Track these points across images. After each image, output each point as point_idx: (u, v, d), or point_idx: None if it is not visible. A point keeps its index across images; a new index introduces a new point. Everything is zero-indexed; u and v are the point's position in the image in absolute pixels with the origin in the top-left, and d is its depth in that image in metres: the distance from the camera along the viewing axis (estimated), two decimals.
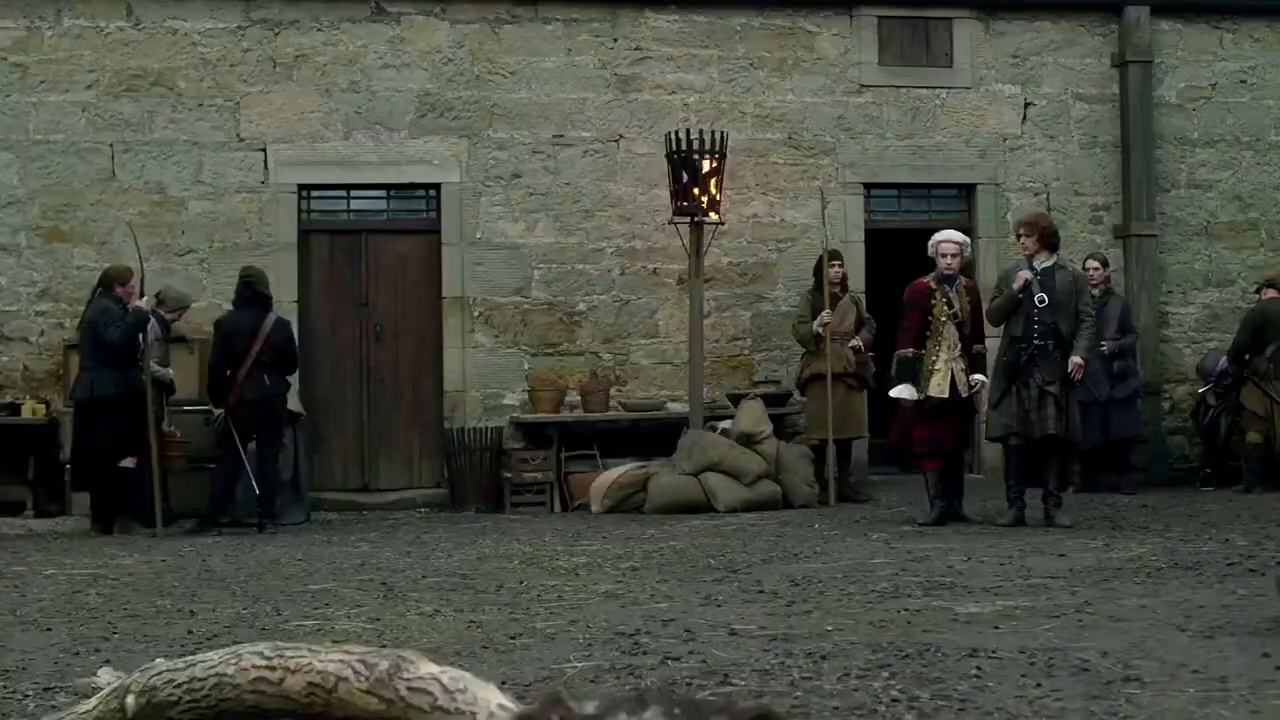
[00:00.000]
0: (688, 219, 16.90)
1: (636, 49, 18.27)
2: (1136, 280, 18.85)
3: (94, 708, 5.35)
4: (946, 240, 14.62)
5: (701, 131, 16.92)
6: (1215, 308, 19.27)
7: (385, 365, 18.00)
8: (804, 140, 18.48)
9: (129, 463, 14.88)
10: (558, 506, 17.13)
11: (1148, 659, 7.09)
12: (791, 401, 17.55)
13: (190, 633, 8.53)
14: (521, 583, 10.60)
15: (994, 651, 7.33)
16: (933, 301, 14.44)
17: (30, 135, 17.41)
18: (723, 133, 16.98)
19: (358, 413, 17.86)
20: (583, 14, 18.20)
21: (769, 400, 17.37)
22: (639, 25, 18.28)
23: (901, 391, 14.46)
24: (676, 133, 16.94)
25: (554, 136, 18.08)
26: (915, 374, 14.40)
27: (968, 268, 15.54)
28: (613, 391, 17.88)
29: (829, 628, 8.23)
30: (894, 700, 6.27)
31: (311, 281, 17.85)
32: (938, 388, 14.34)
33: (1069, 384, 14.02)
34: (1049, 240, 14.18)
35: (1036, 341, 13.91)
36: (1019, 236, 14.47)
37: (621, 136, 18.17)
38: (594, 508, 16.56)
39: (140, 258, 15.50)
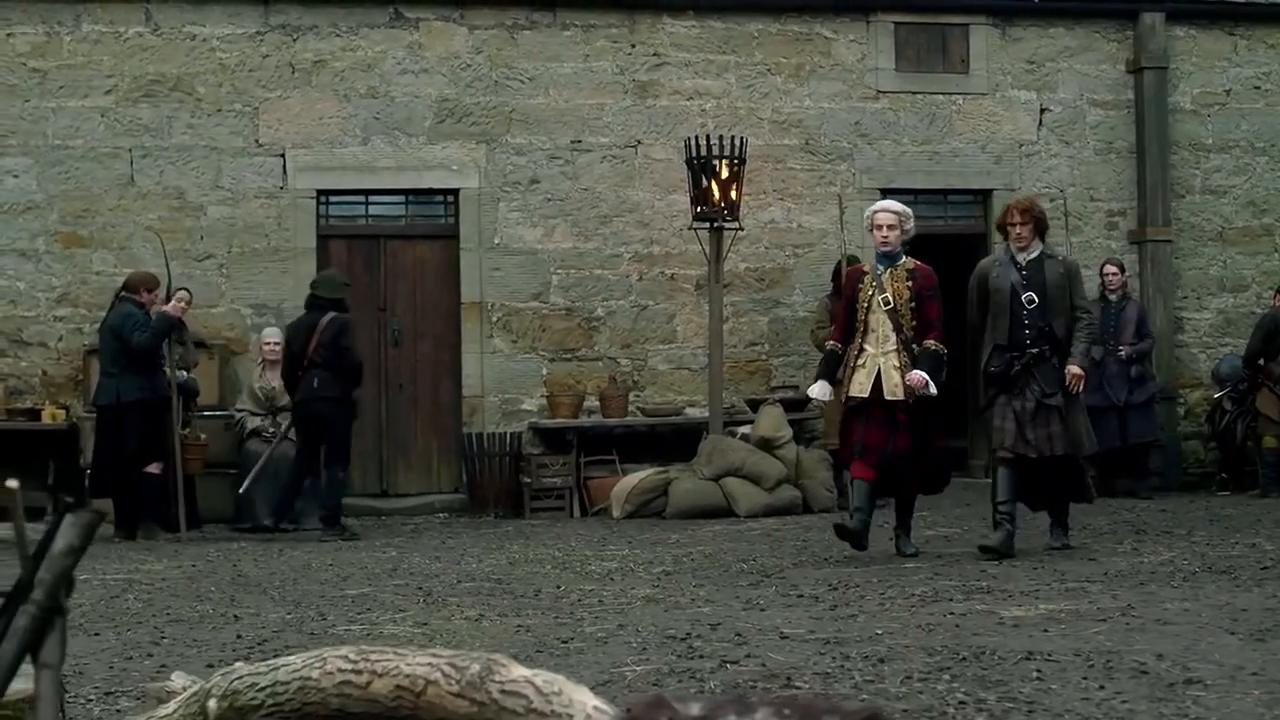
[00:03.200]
0: (707, 224, 16.94)
1: (654, 55, 18.29)
2: (1151, 285, 18.89)
3: (174, 712, 5.34)
4: (881, 210, 12.47)
5: (721, 137, 16.96)
6: (1230, 313, 19.31)
7: (404, 370, 18.01)
8: (821, 146, 18.52)
9: (154, 468, 14.88)
10: (577, 511, 17.14)
11: (1204, 662, 7.12)
12: (810, 407, 17.57)
13: (239, 637, 8.56)
14: (559, 587, 10.63)
15: (1049, 654, 7.36)
16: (860, 286, 12.34)
17: (49, 140, 17.41)
18: (742, 138, 17.02)
19: (376, 418, 17.85)
20: (601, 20, 18.24)
21: (787, 405, 17.39)
22: (656, 31, 18.31)
23: (813, 390, 12.70)
24: (696, 138, 16.99)
25: (572, 142, 18.10)
26: (831, 370, 12.39)
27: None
28: (631, 397, 17.90)
29: (878, 631, 8.26)
30: (961, 703, 6.29)
31: None
32: (858, 387, 12.09)
33: (1068, 393, 12.10)
34: (1042, 228, 12.39)
35: (1030, 349, 12.03)
36: (1011, 224, 12.28)
37: (639, 142, 18.19)
38: (614, 513, 16.58)
39: (167, 263, 15.53)
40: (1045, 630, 8.19)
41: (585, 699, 4.56)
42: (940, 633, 8.18)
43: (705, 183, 16.92)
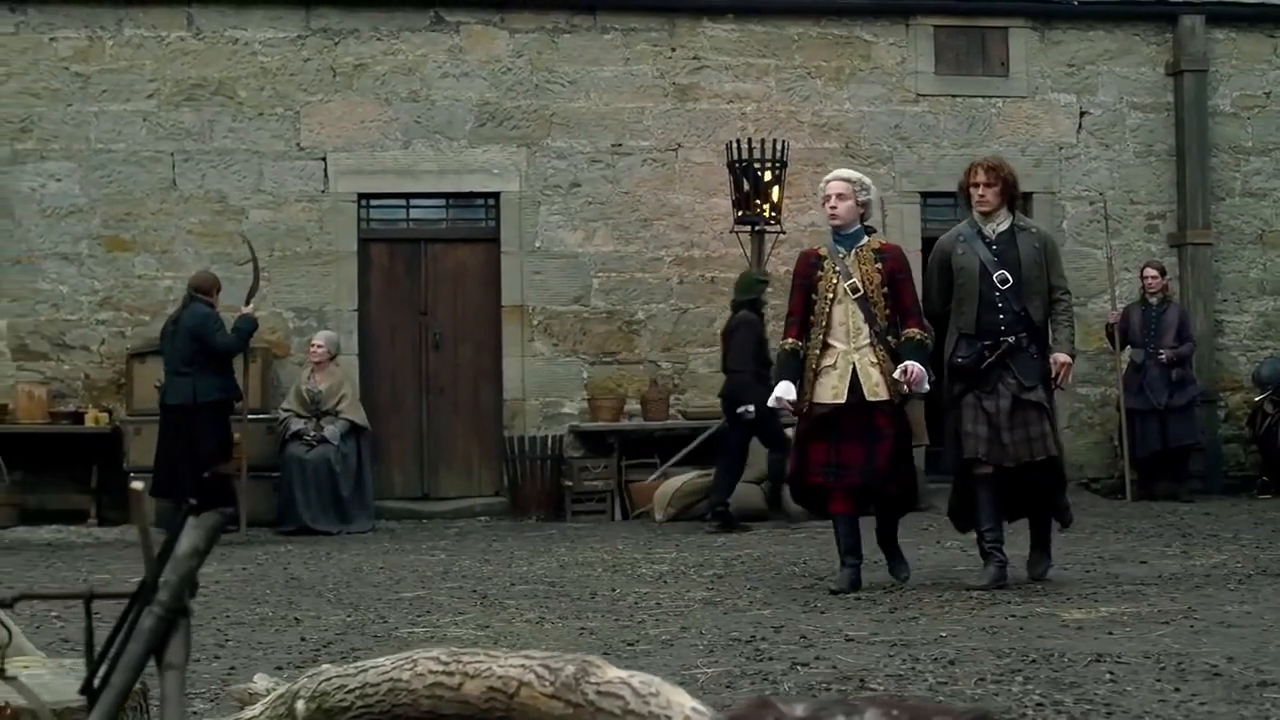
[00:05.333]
0: (749, 227, 16.97)
1: (694, 58, 18.30)
2: (1191, 288, 18.85)
3: (262, 713, 5.36)
4: (833, 178, 10.64)
5: (763, 140, 16.98)
6: (1270, 315, 19.27)
7: (444, 374, 18.02)
8: (861, 149, 18.51)
9: (224, 469, 14.90)
10: (619, 515, 17.14)
11: (1276, 664, 7.12)
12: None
13: (303, 640, 8.59)
14: (613, 590, 10.65)
15: (1119, 657, 7.36)
16: (819, 273, 10.44)
17: (91, 144, 17.46)
18: (784, 141, 17.03)
19: (417, 421, 17.89)
20: (641, 23, 18.25)
21: None
22: (697, 35, 18.32)
23: (778, 391, 10.42)
24: (738, 141, 17.00)
25: (612, 145, 18.12)
26: (793, 371, 10.40)
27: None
28: (671, 400, 17.90)
29: (943, 633, 8.27)
30: (1039, 704, 6.30)
31: (371, 290, 17.87)
32: (830, 391, 10.23)
33: (1049, 388, 10.43)
34: (1011, 193, 10.54)
35: (1004, 338, 10.32)
36: (973, 184, 10.45)
37: (680, 145, 18.20)
38: (657, 516, 16.58)
39: (256, 265, 15.73)
40: (1110, 633, 8.20)
41: (683, 700, 4.56)
42: (1005, 635, 8.19)
43: (747, 186, 16.94)
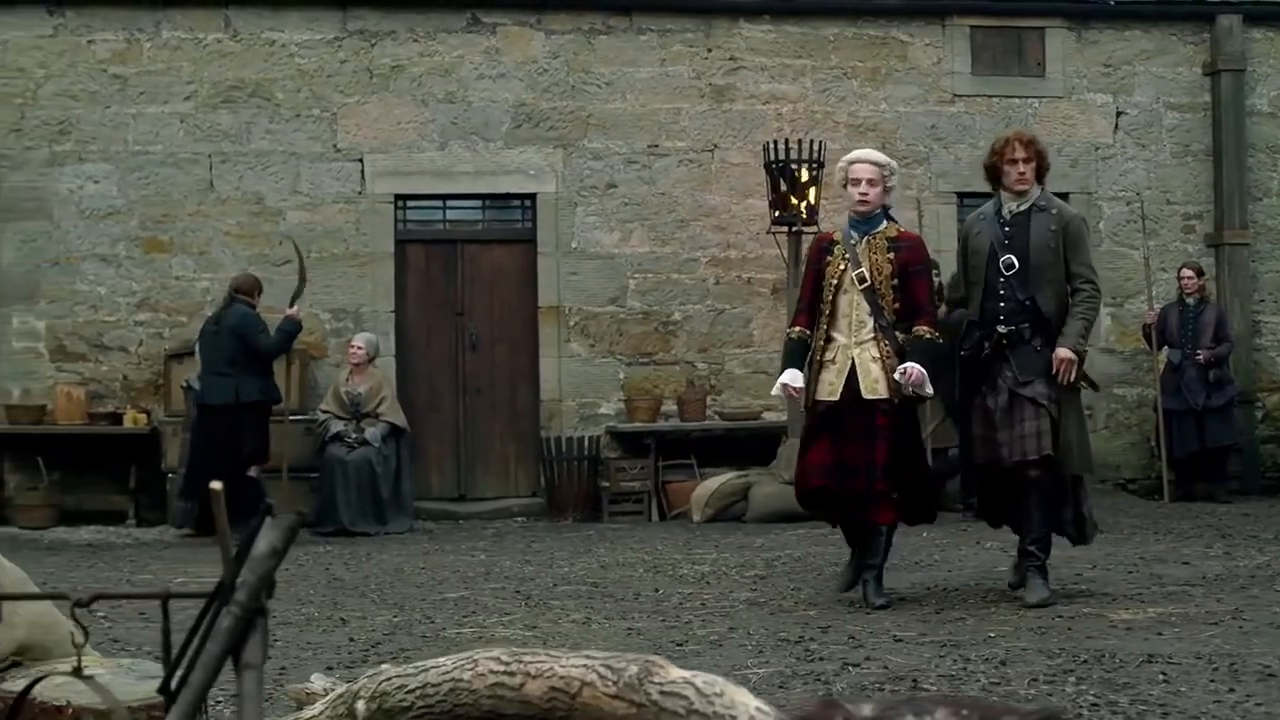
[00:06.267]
0: (786, 228, 16.96)
1: (730, 59, 18.30)
2: (1229, 289, 18.79)
3: (321, 713, 5.37)
4: (860, 160, 9.91)
5: (800, 141, 16.97)
6: None
7: (481, 374, 18.03)
8: (897, 150, 18.41)
9: (254, 472, 14.92)
10: (656, 515, 17.14)
11: None
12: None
13: (351, 640, 8.61)
14: (656, 590, 10.66)
15: (1170, 657, 7.36)
16: (829, 259, 9.80)
17: (129, 146, 17.51)
18: (821, 142, 17.02)
19: (454, 422, 17.91)
20: (677, 24, 18.25)
21: None
22: (733, 35, 18.31)
23: (783, 378, 9.83)
24: (774, 142, 17.00)
25: (649, 146, 18.11)
26: (799, 357, 9.83)
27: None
28: (708, 400, 17.91)
29: (991, 634, 8.27)
30: (1094, 705, 6.30)
31: (408, 291, 17.89)
32: (827, 388, 9.64)
33: (1056, 384, 9.49)
34: (1043, 170, 9.77)
35: (1003, 327, 9.55)
36: (1011, 160, 9.62)
37: (716, 146, 18.19)
38: (695, 517, 16.57)
39: (302, 266, 15.80)
40: (1159, 633, 8.19)
41: (747, 700, 4.56)
42: (1054, 635, 8.19)
43: (784, 187, 16.94)
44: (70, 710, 5.09)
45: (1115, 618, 8.80)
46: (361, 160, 17.79)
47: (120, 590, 6.12)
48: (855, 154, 10.00)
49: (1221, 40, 18.96)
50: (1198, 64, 19.06)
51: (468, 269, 18.05)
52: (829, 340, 9.65)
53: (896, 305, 9.62)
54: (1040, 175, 9.72)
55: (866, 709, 4.24)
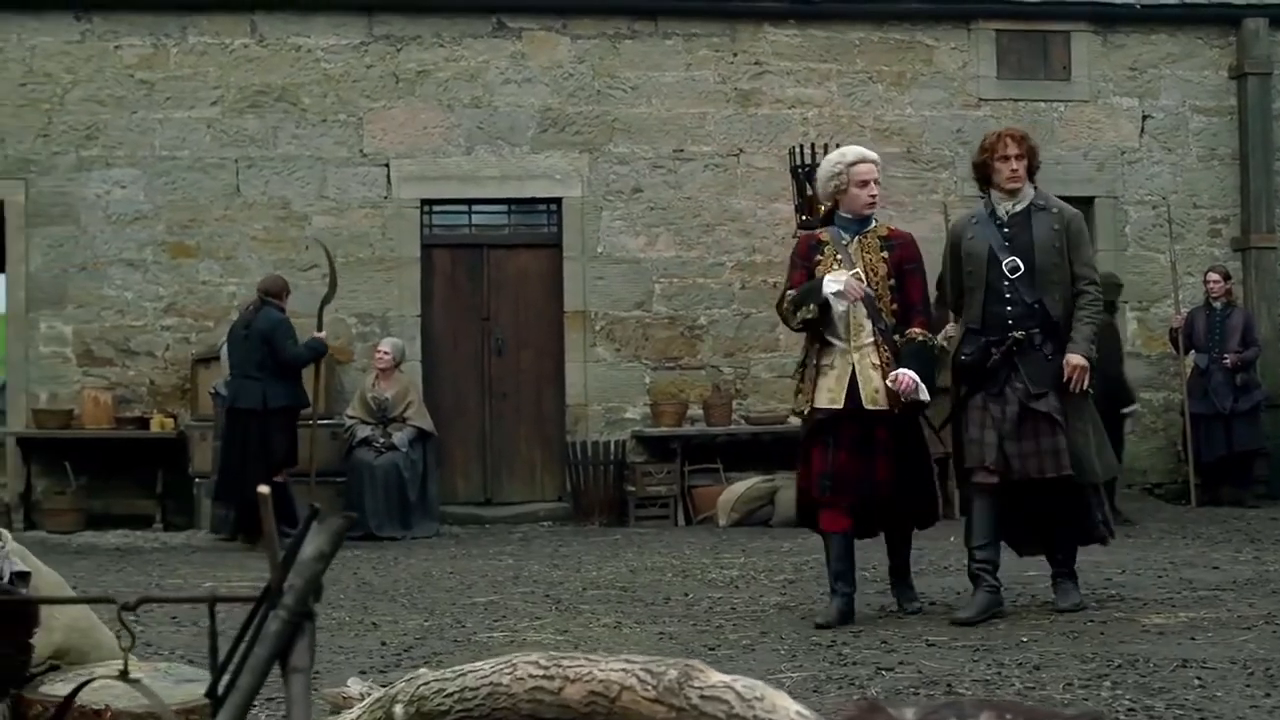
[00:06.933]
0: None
1: (756, 63, 18.30)
2: (1255, 292, 18.75)
3: (359, 717, 5.38)
4: (865, 161, 9.44)
5: (825, 145, 16.94)
6: None
7: (507, 379, 18.05)
8: (922, 154, 18.48)
9: (281, 477, 14.91)
10: (681, 520, 17.13)
11: None
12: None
13: (383, 644, 8.61)
14: (686, 594, 10.66)
15: (1204, 662, 7.34)
16: (819, 258, 9.34)
17: (156, 151, 17.56)
18: None
19: (480, 426, 17.93)
20: (702, 29, 18.26)
21: None
22: (758, 40, 18.32)
23: (829, 286, 9.14)
24: (800, 146, 16.99)
25: (674, 151, 18.12)
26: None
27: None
28: (734, 405, 17.91)
29: (1024, 638, 8.26)
30: (1130, 709, 6.29)
31: (433, 296, 17.92)
32: (827, 396, 9.17)
33: (1067, 394, 9.16)
34: (1034, 167, 9.46)
35: (1012, 334, 9.17)
36: (1003, 158, 9.29)
37: (741, 151, 18.19)
38: (721, 521, 16.56)
39: (334, 271, 15.79)
40: (1192, 638, 8.16)
41: (788, 704, 4.55)
42: (1086, 640, 8.17)
43: (810, 191, 16.92)
44: (110, 714, 5.10)
45: (1147, 622, 8.78)
46: (387, 165, 17.82)
47: (166, 594, 6.13)
48: (851, 155, 9.49)
49: (1248, 43, 18.92)
50: (1224, 67, 19.03)
51: (493, 273, 18.07)
52: (825, 345, 9.24)
53: (894, 306, 9.26)
54: (1031, 173, 9.40)
55: (909, 713, 4.24)
